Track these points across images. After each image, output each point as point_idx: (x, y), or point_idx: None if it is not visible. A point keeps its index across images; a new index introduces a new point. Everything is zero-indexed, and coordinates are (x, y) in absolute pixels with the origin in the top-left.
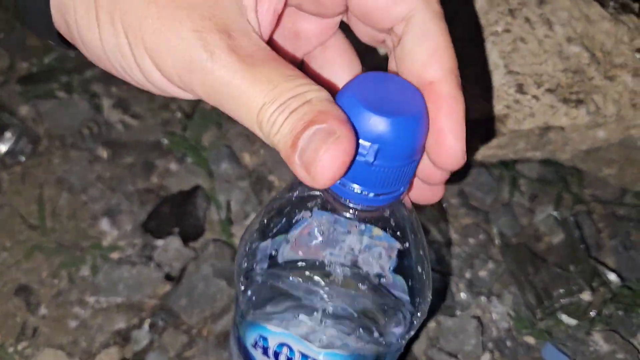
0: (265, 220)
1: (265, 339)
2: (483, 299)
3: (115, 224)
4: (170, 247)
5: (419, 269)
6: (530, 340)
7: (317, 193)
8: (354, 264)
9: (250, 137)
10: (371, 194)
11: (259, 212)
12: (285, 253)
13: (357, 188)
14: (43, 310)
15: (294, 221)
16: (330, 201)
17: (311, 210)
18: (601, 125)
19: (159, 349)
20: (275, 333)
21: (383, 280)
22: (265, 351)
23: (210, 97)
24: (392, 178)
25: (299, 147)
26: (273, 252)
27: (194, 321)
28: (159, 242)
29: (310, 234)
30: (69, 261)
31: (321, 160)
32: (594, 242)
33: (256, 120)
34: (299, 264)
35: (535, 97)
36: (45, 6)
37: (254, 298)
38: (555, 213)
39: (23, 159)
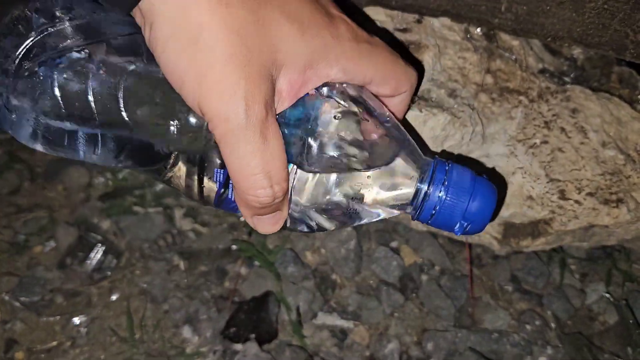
0: None
1: None
2: None
3: (197, 331)
4: (248, 352)
5: None
6: None
7: None
8: None
9: (310, 237)
10: None
11: None
12: None
13: None
14: None
15: None
16: None
17: None
18: None
19: None
20: None
21: None
22: None
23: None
24: None
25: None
26: None
27: None
28: (238, 347)
29: None
30: None
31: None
32: None
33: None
34: None
35: (577, 201)
36: None
37: None
38: (607, 295)
39: (109, 273)
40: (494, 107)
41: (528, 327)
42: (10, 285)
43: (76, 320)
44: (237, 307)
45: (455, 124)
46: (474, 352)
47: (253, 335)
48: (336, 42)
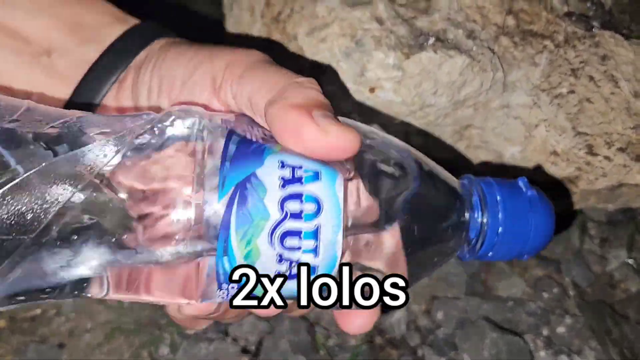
0: None
1: None
2: (564, 357)
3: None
4: (244, 321)
5: None
6: None
7: None
8: None
9: None
10: None
11: None
12: None
13: None
14: None
15: None
16: None
17: None
18: None
19: None
20: None
21: None
22: None
23: None
24: None
25: None
26: None
27: None
28: None
29: None
30: (148, 340)
31: None
32: None
33: None
34: None
35: (606, 157)
36: None
37: None
38: (630, 260)
39: None
40: (516, 52)
41: (545, 294)
42: None
43: None
44: None
45: (474, 68)
46: (488, 322)
47: None
48: None
